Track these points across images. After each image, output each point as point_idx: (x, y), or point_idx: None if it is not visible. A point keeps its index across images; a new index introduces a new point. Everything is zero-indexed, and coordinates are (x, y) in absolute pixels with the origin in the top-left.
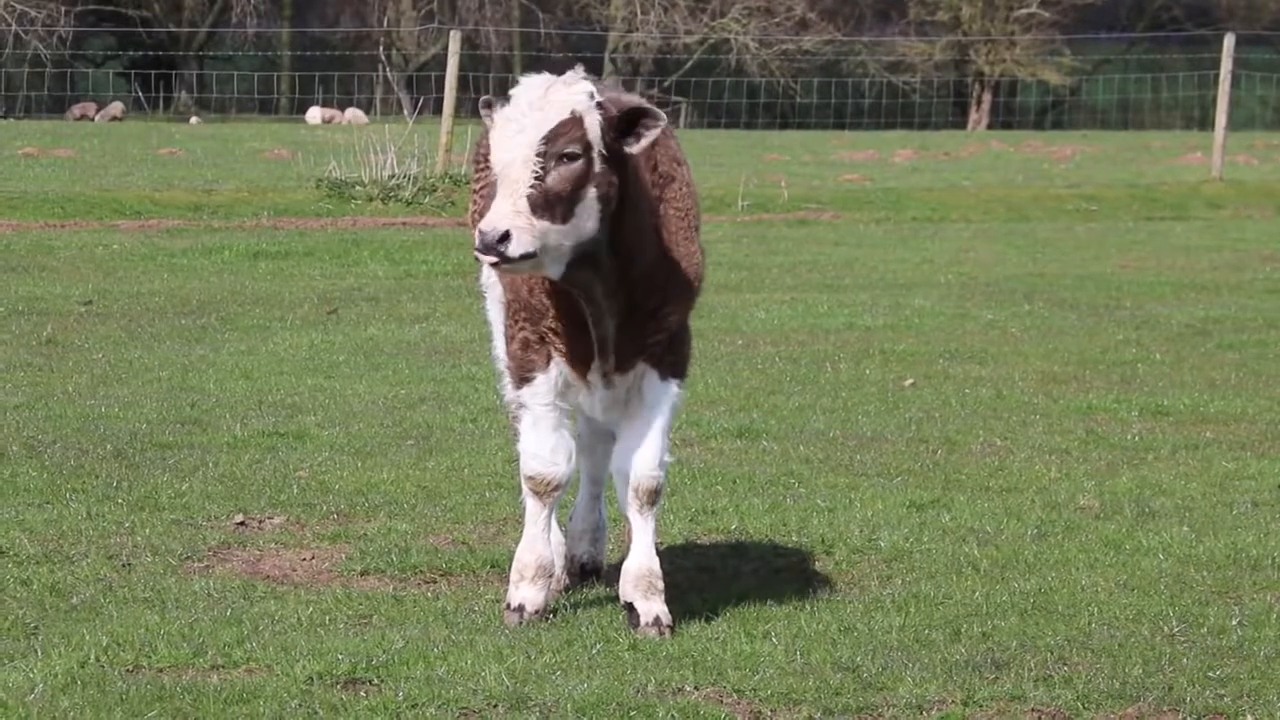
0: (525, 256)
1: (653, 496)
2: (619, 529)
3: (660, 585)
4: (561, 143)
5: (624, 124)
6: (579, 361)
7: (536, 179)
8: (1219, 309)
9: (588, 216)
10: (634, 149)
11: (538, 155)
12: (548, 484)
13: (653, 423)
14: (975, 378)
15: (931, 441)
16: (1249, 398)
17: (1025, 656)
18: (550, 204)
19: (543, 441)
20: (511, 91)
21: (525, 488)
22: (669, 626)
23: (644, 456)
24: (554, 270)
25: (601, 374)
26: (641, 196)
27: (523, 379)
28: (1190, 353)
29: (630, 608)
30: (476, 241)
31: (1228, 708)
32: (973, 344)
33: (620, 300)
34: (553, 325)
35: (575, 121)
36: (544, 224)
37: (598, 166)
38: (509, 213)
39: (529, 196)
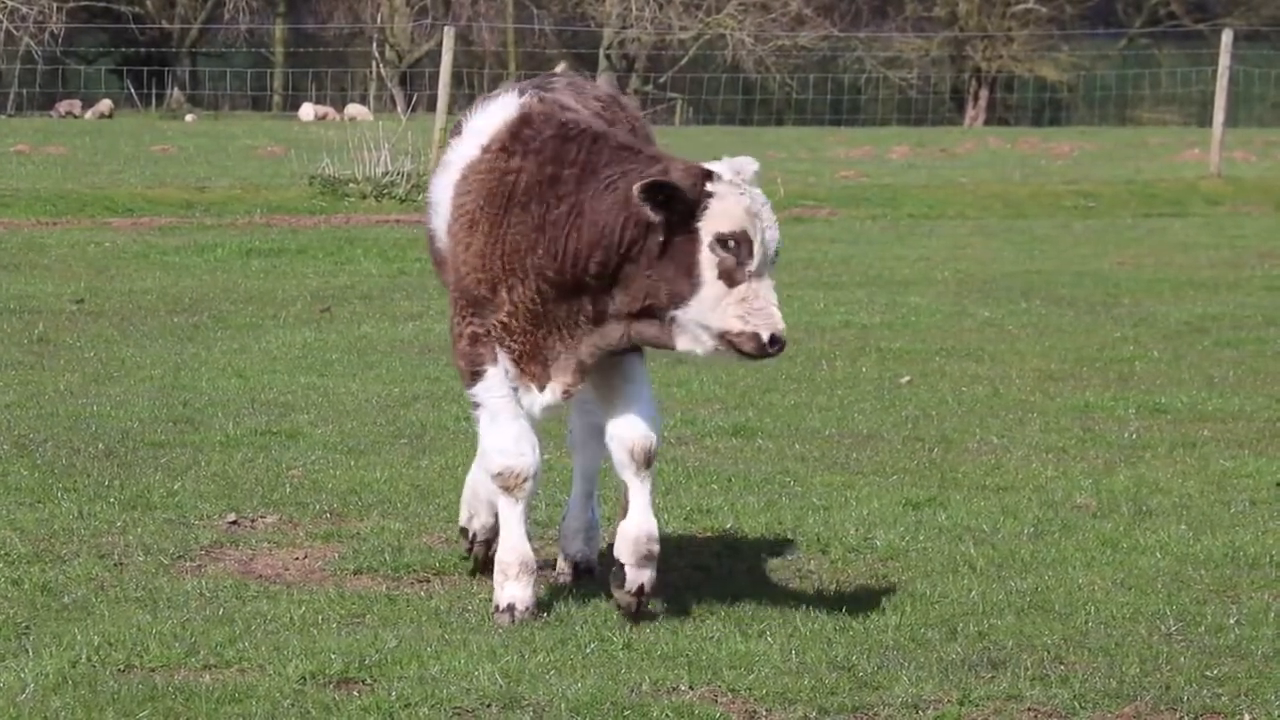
0: None
1: (649, 458)
2: (608, 529)
3: (656, 550)
4: None
5: None
6: (531, 362)
7: None
8: (1217, 306)
9: None
10: None
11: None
12: (517, 476)
13: (641, 391)
14: (972, 375)
15: (928, 440)
16: (1247, 395)
17: (1022, 655)
18: None
19: (505, 434)
20: (726, 175)
21: (494, 486)
22: (648, 596)
23: (640, 419)
24: None
25: (563, 391)
26: None
27: (474, 374)
28: (1188, 350)
29: (620, 568)
30: (771, 347)
31: (1225, 707)
32: (969, 341)
33: None
34: (504, 320)
35: None
36: None
37: None
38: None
39: None
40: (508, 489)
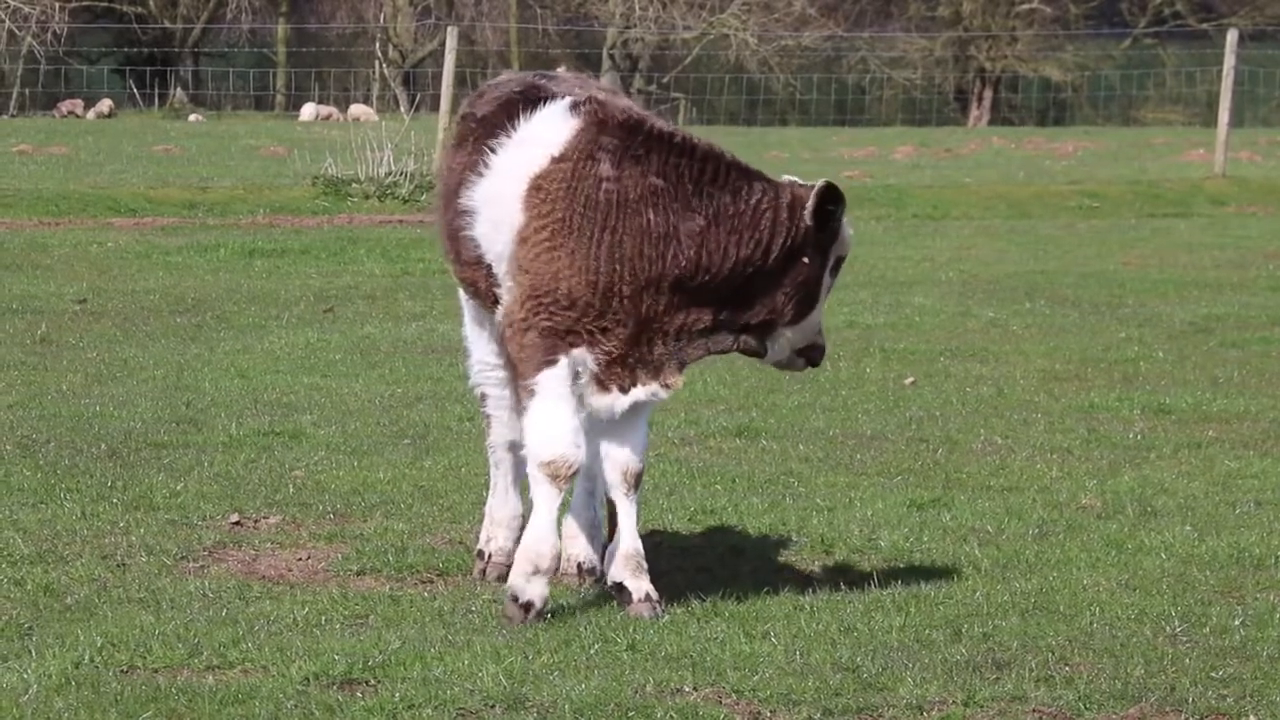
0: None
1: (639, 479)
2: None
3: (645, 565)
4: None
5: None
6: (619, 365)
7: None
8: (1222, 306)
9: None
10: None
11: None
12: (569, 467)
13: (641, 410)
14: (976, 376)
15: (932, 440)
16: (1252, 396)
17: (1026, 656)
18: None
19: (565, 424)
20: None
21: (541, 474)
22: (659, 602)
23: (635, 442)
24: None
25: (664, 386)
26: None
27: (546, 361)
28: (1193, 351)
29: (620, 587)
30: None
31: (1230, 708)
32: (974, 342)
33: None
34: (606, 325)
35: None
36: None
37: None
38: None
39: None
40: (555, 477)
